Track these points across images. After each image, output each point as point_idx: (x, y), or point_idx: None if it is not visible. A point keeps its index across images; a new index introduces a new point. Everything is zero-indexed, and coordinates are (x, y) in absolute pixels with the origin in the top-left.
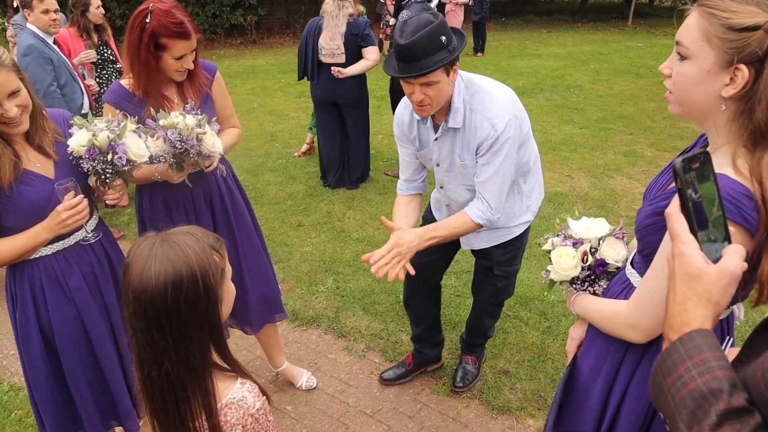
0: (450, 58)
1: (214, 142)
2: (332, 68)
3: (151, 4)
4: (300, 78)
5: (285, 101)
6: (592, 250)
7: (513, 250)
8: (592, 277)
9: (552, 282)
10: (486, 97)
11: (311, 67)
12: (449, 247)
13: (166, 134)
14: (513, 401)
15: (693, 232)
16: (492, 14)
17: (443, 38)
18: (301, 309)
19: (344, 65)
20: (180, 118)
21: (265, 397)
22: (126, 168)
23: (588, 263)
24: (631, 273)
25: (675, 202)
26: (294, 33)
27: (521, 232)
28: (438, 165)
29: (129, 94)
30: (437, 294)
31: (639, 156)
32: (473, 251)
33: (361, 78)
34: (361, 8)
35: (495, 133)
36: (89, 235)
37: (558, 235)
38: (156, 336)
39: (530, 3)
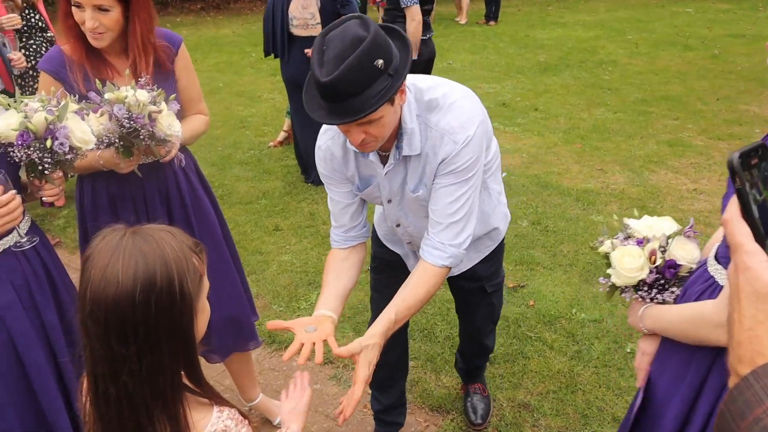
0: (394, 87)
1: (170, 123)
2: (305, 50)
3: None
4: (266, 54)
5: (256, 80)
6: (661, 249)
7: (498, 260)
8: (662, 281)
9: (613, 288)
10: (444, 106)
11: (280, 41)
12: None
13: (112, 110)
14: None
15: (759, 241)
16: None
17: (379, 62)
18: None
19: None
20: (130, 92)
21: (247, 421)
22: (68, 157)
23: (656, 264)
24: (715, 269)
25: (734, 207)
26: None
27: (503, 237)
28: (390, 201)
29: (70, 61)
30: (406, 348)
31: (687, 146)
32: (451, 280)
33: None
34: None
35: (456, 148)
36: (23, 240)
37: (616, 237)
38: (116, 346)
39: None
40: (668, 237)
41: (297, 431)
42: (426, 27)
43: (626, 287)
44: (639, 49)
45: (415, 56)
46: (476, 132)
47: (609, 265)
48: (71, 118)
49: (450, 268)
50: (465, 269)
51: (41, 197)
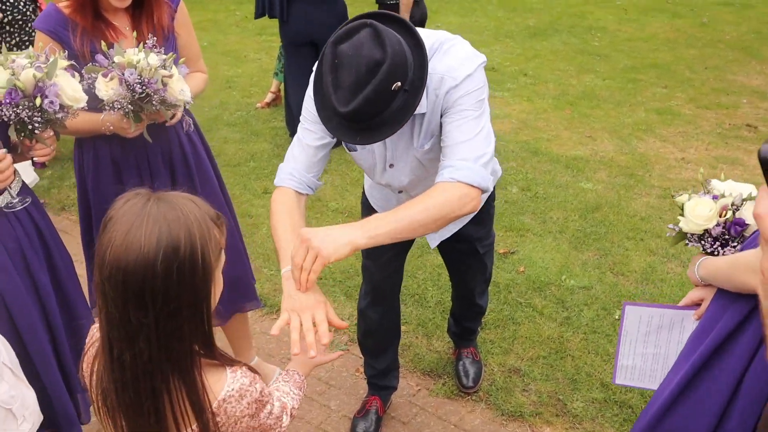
0: (414, 101)
1: (182, 88)
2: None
3: None
4: (258, 16)
5: (242, 39)
6: (733, 207)
7: (489, 220)
8: (726, 237)
9: (680, 234)
10: (440, 50)
11: (279, 1)
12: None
13: (123, 75)
14: (526, 405)
15: None
16: None
17: (397, 84)
18: (270, 293)
19: None
20: (141, 56)
21: (258, 375)
22: (59, 115)
23: (725, 218)
24: None
25: (765, 201)
26: None
27: (492, 193)
28: (392, 166)
29: (67, 19)
30: (398, 313)
31: (675, 114)
32: (442, 244)
33: (339, 6)
34: None
35: (456, 83)
36: (14, 201)
37: (697, 194)
38: (134, 311)
39: None
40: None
41: (300, 378)
42: None
43: (692, 235)
44: (628, 15)
45: (407, 17)
46: (477, 70)
47: (682, 213)
48: (61, 75)
49: (467, 185)
50: (456, 230)
51: (32, 157)
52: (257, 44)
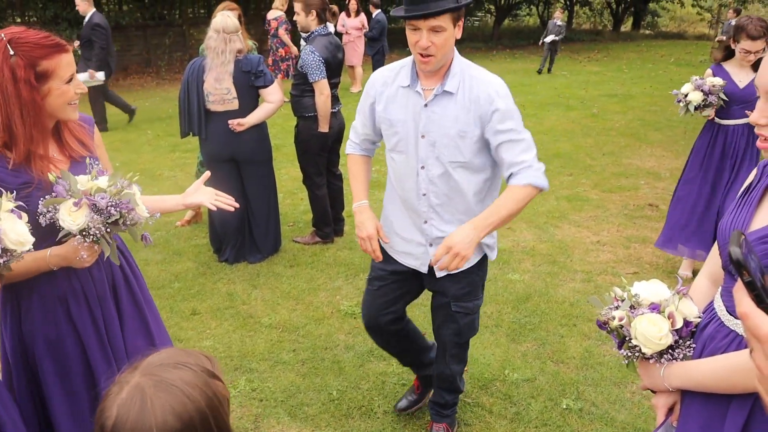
0: (458, 6)
1: (143, 206)
2: (229, 121)
3: (2, 34)
4: (183, 135)
5: (156, 157)
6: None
7: (470, 284)
8: (679, 341)
9: (640, 357)
10: (481, 68)
11: (197, 119)
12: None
13: (94, 200)
14: None
15: None
16: (393, 44)
17: None
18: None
19: (238, 113)
20: (102, 181)
21: None
22: (2, 260)
23: (677, 327)
24: (735, 324)
25: (746, 299)
26: (157, 72)
27: (477, 260)
28: (423, 137)
29: (2, 159)
30: (401, 327)
31: (584, 200)
32: (432, 287)
33: (262, 126)
34: (251, 43)
35: (498, 101)
36: None
37: (615, 307)
38: None
39: None
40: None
41: None
42: (335, 100)
43: (652, 355)
44: (526, 110)
45: (325, 129)
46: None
47: (621, 336)
48: (5, 218)
49: (537, 188)
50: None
51: None
52: (171, 161)
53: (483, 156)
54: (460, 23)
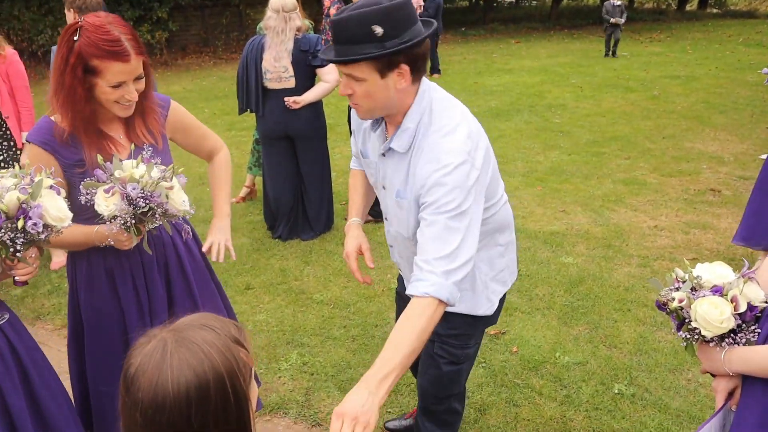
0: (378, 56)
1: (183, 199)
2: (285, 99)
3: (82, 19)
4: (241, 111)
5: None
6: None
7: (463, 326)
8: (742, 325)
9: (700, 340)
10: (446, 125)
11: (255, 96)
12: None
13: (125, 190)
14: None
15: None
16: (448, 24)
17: (378, 30)
18: (261, 393)
19: (294, 91)
20: (142, 170)
21: None
22: (43, 236)
23: (740, 310)
24: None
25: None
26: (214, 52)
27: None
28: (384, 188)
29: (60, 130)
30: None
31: (641, 183)
32: None
33: (317, 104)
34: (308, 23)
35: (436, 173)
36: None
37: (676, 289)
38: None
39: (493, 10)
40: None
41: None
42: None
43: (713, 338)
44: (584, 92)
45: None
46: (462, 164)
47: (680, 318)
48: (46, 195)
49: (436, 299)
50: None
51: (13, 276)
52: (228, 139)
53: None
54: (401, 73)
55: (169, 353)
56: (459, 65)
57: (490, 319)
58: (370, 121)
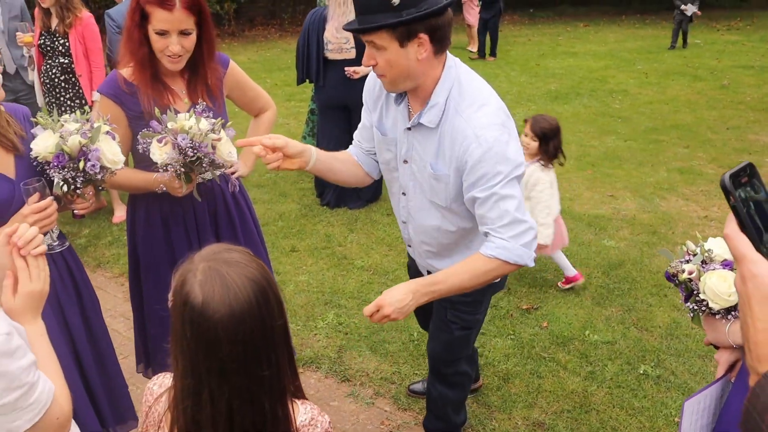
0: (394, 24)
1: (230, 150)
2: (345, 69)
3: None
4: (300, 81)
5: None
6: None
7: (473, 294)
8: None
9: (706, 312)
10: (477, 99)
11: (315, 66)
12: None
13: (176, 139)
14: None
15: (759, 249)
16: (518, 5)
17: (395, 0)
18: (297, 348)
19: (355, 62)
20: (192, 121)
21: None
22: (99, 176)
23: None
24: None
25: (732, 222)
26: (280, 25)
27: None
28: (406, 162)
29: (130, 84)
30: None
31: (697, 173)
32: None
33: None
34: None
35: (474, 148)
36: (55, 243)
37: (686, 261)
38: (254, 368)
39: None
40: None
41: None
42: None
43: (719, 311)
44: (649, 78)
45: None
46: (500, 135)
47: (688, 289)
48: (103, 140)
49: (500, 260)
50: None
51: (73, 209)
52: (286, 110)
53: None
54: (421, 42)
55: (225, 273)
56: (522, 47)
57: (498, 286)
58: (385, 98)
